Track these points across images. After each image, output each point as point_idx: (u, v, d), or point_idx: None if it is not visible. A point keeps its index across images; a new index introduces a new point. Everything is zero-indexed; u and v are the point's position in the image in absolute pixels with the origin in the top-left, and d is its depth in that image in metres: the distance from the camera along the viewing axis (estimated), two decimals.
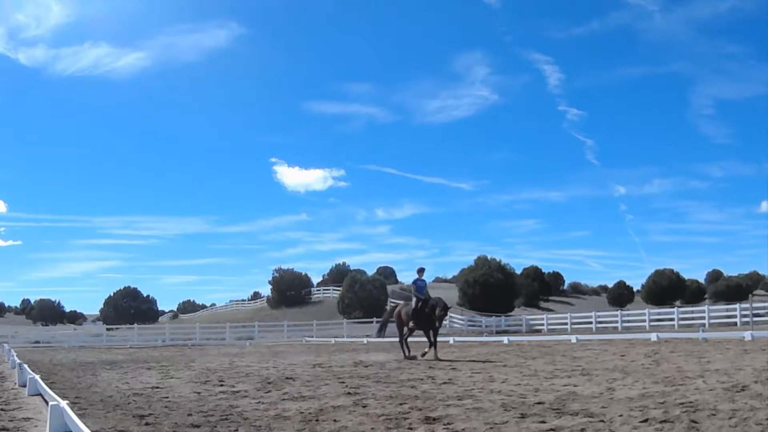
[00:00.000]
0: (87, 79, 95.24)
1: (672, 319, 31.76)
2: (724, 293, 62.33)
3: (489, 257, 53.44)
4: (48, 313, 78.00)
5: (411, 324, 14.81)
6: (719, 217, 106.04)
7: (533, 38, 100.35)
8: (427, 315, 14.18)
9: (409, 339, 15.42)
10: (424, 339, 14.83)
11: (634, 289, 71.38)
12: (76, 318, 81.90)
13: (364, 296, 48.49)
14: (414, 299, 14.66)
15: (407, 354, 14.65)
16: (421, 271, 15.02)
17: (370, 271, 62.57)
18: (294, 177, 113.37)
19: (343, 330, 37.90)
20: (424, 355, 14.16)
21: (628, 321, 33.72)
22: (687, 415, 5.41)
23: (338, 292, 52.69)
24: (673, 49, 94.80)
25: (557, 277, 77.79)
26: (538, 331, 35.46)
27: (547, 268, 74.79)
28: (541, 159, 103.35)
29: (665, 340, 16.23)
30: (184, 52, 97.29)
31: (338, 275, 61.20)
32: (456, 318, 43.34)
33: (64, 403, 5.75)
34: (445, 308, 14.28)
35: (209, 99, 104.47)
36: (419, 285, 14.85)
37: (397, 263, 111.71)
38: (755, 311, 27.36)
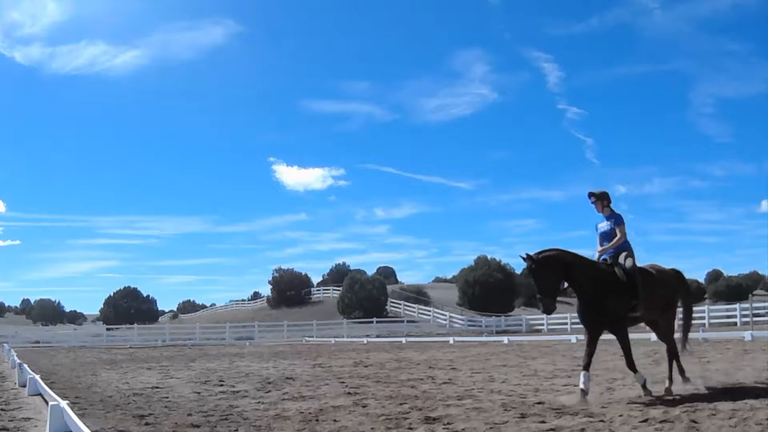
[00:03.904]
0: (83, 77, 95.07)
1: None
2: (724, 293, 62.33)
3: (489, 257, 53.41)
4: (48, 313, 77.95)
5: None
6: (719, 217, 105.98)
7: (533, 36, 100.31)
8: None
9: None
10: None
11: None
12: (76, 318, 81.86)
13: (363, 296, 48.49)
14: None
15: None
16: (594, 198, 7.57)
17: (370, 271, 62.60)
18: (293, 176, 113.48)
19: (343, 330, 37.91)
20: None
21: None
22: (687, 415, 5.41)
23: (338, 292, 52.70)
24: (673, 47, 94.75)
25: None
26: (538, 331, 35.45)
27: None
28: (540, 158, 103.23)
29: None
30: (180, 50, 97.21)
31: (338, 275, 61.18)
32: (456, 318, 43.35)
33: (64, 403, 5.75)
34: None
35: (207, 97, 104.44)
36: (602, 231, 7.57)
37: (396, 263, 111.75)
38: (755, 311, 27.35)
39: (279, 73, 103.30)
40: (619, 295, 6.93)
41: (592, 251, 7.57)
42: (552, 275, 6.80)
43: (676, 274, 7.84)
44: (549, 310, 6.88)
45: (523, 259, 6.80)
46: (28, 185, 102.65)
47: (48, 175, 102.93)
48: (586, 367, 6.84)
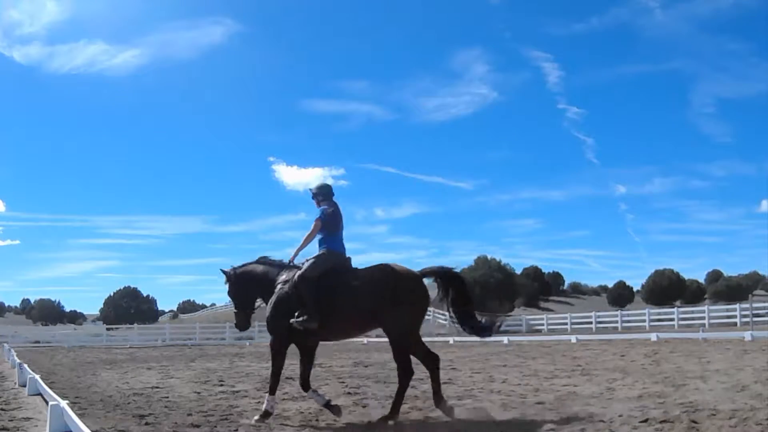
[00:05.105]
0: (83, 77, 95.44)
1: (672, 320, 31.73)
2: (724, 293, 62.41)
3: (489, 257, 53.61)
4: (48, 312, 78.03)
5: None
6: (719, 217, 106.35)
7: (533, 35, 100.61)
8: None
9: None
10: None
11: (634, 289, 71.50)
12: (76, 318, 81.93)
13: None
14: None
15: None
16: (312, 194, 6.58)
17: None
18: (292, 176, 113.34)
19: None
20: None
21: (628, 321, 33.71)
22: (687, 415, 5.41)
23: None
24: (673, 47, 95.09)
25: (557, 277, 77.88)
26: (538, 331, 35.43)
27: (547, 268, 74.96)
28: (541, 158, 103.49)
29: (665, 340, 16.22)
30: (180, 50, 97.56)
31: None
32: None
33: (64, 403, 5.74)
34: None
35: (206, 97, 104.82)
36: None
37: (396, 263, 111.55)
38: (755, 311, 27.33)
39: (279, 73, 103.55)
40: (282, 307, 6.09)
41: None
42: (245, 289, 6.50)
43: (409, 279, 6.32)
44: (242, 326, 6.56)
45: (223, 272, 6.64)
46: (28, 185, 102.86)
47: (48, 175, 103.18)
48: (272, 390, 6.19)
